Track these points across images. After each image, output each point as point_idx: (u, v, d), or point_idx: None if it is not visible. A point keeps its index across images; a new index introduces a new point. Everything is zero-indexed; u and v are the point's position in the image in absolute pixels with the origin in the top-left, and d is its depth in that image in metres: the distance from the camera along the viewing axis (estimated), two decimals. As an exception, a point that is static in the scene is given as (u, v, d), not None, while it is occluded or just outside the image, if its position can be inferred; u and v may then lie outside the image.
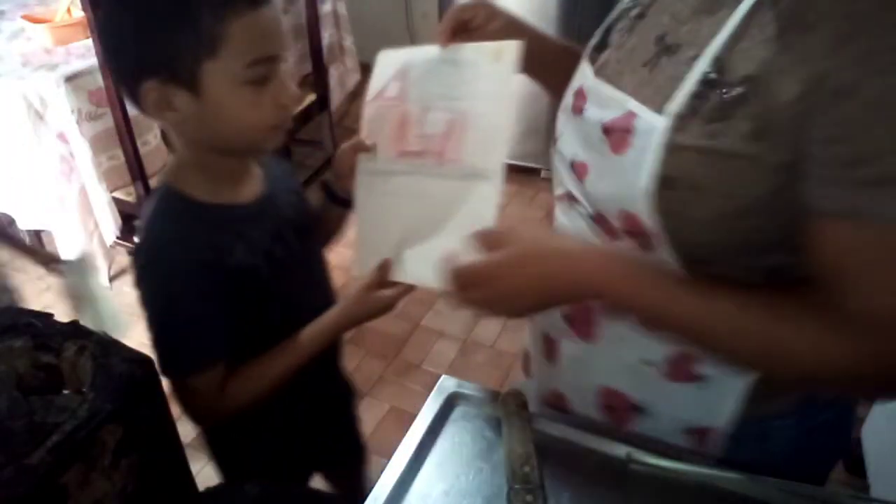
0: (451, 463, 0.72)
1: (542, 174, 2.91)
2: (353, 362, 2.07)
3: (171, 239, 0.79)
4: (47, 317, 0.80)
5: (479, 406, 0.78)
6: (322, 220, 0.98)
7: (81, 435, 0.67)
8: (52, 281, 2.41)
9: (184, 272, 0.78)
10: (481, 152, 0.79)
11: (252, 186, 0.87)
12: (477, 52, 0.79)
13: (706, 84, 0.58)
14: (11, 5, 2.40)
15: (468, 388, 0.79)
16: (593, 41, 0.75)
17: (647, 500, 0.68)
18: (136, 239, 0.83)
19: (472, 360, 2.09)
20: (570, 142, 0.72)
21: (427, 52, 0.82)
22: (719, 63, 0.57)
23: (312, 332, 0.89)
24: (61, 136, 1.94)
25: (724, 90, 0.57)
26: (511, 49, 0.77)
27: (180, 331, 0.81)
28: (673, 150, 0.59)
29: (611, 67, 0.70)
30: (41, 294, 2.37)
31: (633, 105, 0.63)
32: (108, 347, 0.77)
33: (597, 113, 0.67)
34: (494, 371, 2.05)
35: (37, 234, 2.39)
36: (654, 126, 0.60)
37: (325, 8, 2.73)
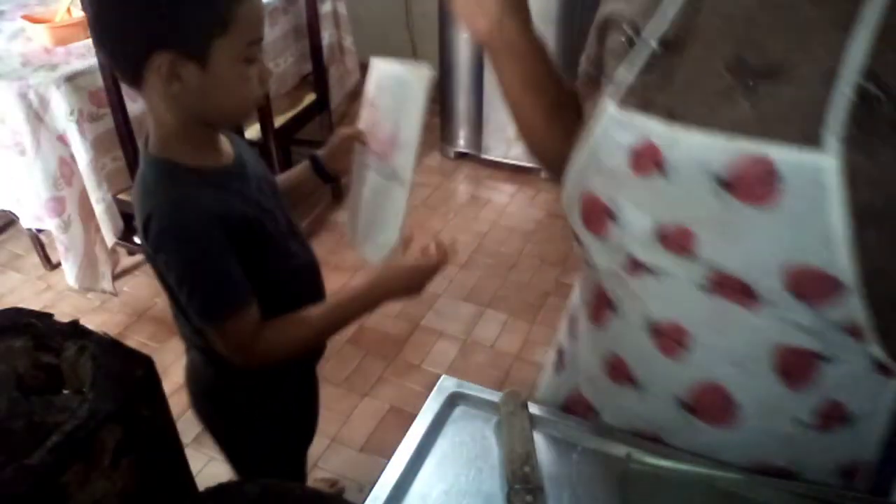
0: (451, 463, 0.72)
1: (543, 175, 2.91)
2: (353, 362, 2.07)
3: (181, 200, 0.84)
4: (47, 317, 0.80)
5: (478, 406, 0.78)
6: (299, 187, 1.10)
7: (81, 435, 0.67)
8: (52, 280, 2.42)
9: (202, 226, 0.84)
10: (401, 160, 0.98)
11: (227, 151, 0.94)
12: (410, 73, 0.97)
13: (865, 99, 0.52)
14: (11, 5, 2.40)
15: (468, 388, 0.79)
16: (623, 88, 0.63)
17: (647, 500, 0.67)
18: (143, 208, 0.87)
19: (472, 360, 2.09)
20: (640, 210, 0.64)
21: (396, 68, 0.99)
22: (874, 75, 0.51)
23: (352, 295, 0.97)
24: (61, 138, 1.94)
25: None
26: (422, 75, 0.95)
27: (212, 280, 0.86)
28: (865, 178, 0.52)
29: (667, 110, 0.60)
30: (41, 294, 2.37)
31: (754, 147, 0.55)
32: (108, 347, 0.76)
33: (694, 166, 0.58)
34: (494, 371, 2.05)
35: (37, 234, 2.39)
36: (812, 163, 0.53)
37: (325, 8, 2.73)
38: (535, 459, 0.69)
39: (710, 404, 0.67)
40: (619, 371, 0.72)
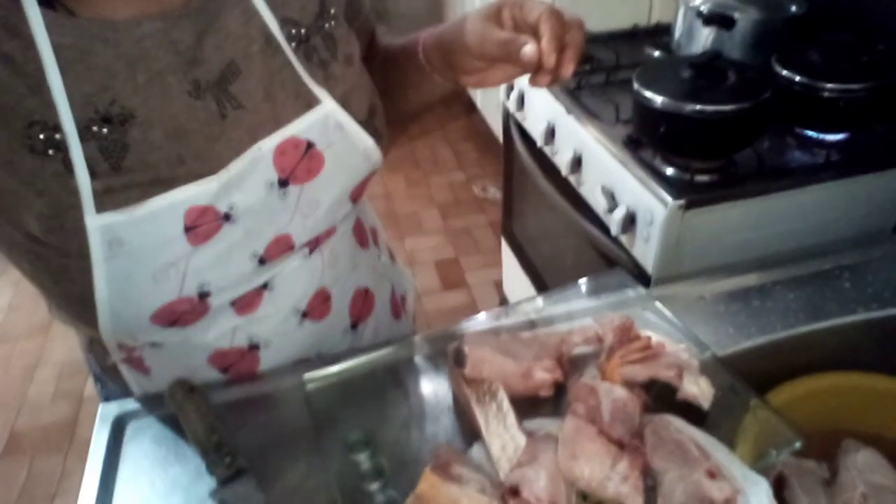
0: (140, 478, 0.69)
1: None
2: None
3: None
4: None
5: (150, 413, 0.75)
6: None
7: None
8: None
9: None
10: None
11: None
12: None
13: (302, 41, 0.63)
14: None
15: (130, 405, 0.76)
16: (91, 193, 0.54)
17: (330, 406, 0.73)
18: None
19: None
20: (226, 264, 0.64)
21: None
22: (288, 21, 0.62)
23: None
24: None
25: (318, 26, 0.64)
26: None
27: None
28: (345, 93, 0.66)
29: (194, 170, 0.58)
30: None
31: (278, 138, 0.62)
32: None
33: (253, 194, 0.62)
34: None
35: None
36: (315, 118, 0.63)
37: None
38: (220, 426, 0.70)
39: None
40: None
